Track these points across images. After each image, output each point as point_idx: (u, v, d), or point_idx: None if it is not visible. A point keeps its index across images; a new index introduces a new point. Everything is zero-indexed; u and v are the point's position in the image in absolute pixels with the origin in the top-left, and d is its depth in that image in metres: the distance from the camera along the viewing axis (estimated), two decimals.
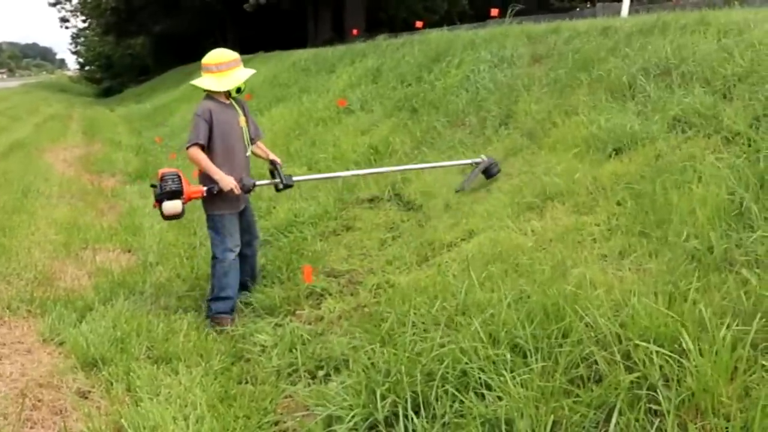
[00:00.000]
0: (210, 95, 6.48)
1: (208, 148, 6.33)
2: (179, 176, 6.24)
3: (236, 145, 6.48)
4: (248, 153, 6.63)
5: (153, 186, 6.33)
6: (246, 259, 6.89)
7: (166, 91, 36.68)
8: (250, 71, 6.58)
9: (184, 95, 30.73)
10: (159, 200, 6.21)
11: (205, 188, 6.32)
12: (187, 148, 6.27)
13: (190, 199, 6.29)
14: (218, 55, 6.42)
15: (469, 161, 7.61)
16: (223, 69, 6.35)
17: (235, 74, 6.39)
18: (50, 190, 12.06)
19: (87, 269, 7.90)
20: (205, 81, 6.40)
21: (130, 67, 67.52)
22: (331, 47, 20.06)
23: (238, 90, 6.50)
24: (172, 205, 6.16)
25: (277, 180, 6.66)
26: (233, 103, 6.56)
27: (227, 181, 6.24)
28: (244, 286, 6.89)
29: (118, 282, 7.21)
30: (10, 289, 6.89)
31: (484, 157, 7.49)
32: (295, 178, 6.78)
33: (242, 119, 6.57)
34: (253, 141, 6.73)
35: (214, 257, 6.58)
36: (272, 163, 6.76)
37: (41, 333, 5.99)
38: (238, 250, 6.58)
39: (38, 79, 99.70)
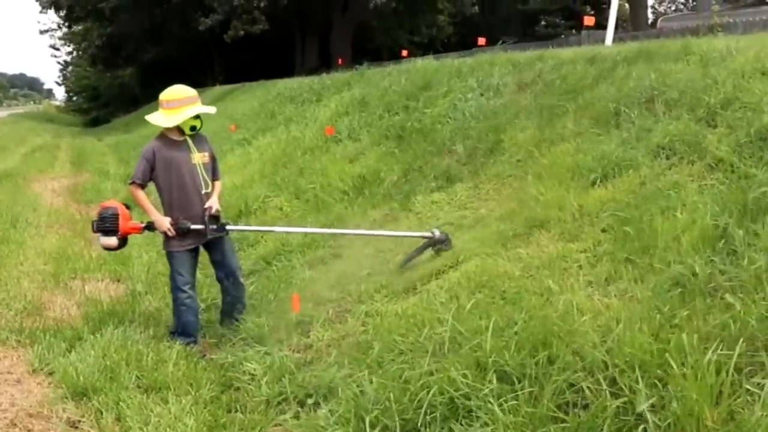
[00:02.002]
0: (163, 132, 6.63)
1: (157, 186, 6.58)
2: (116, 216, 6.47)
3: (187, 183, 6.55)
4: (205, 191, 6.64)
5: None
6: (227, 291, 6.98)
7: None
8: (201, 109, 6.56)
9: None
10: (95, 232, 6.60)
11: (142, 225, 6.59)
12: (129, 184, 6.57)
13: (126, 234, 6.60)
14: (170, 92, 6.53)
15: (419, 234, 7.05)
16: (174, 106, 6.45)
17: (184, 112, 6.43)
18: (39, 220, 12.03)
19: (76, 299, 7.89)
20: (154, 117, 6.57)
21: (118, 97, 67.20)
22: (317, 76, 20.08)
23: (193, 128, 6.57)
24: (106, 241, 6.57)
25: (203, 226, 6.55)
26: (187, 140, 6.61)
27: (161, 222, 6.46)
28: (229, 316, 6.92)
29: (108, 311, 7.19)
30: None
31: (436, 231, 6.93)
32: (228, 228, 6.80)
33: (196, 156, 6.61)
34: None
35: (172, 293, 6.77)
36: (204, 209, 6.58)
37: (31, 363, 5.98)
38: (188, 288, 6.66)
39: (26, 109, 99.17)
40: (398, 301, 6.14)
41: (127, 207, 6.70)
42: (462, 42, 36.24)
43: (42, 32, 67.89)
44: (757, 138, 5.55)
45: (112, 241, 6.51)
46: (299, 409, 5.09)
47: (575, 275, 5.11)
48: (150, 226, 6.56)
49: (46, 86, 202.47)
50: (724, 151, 5.66)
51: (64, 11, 47.37)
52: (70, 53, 66.46)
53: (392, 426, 4.10)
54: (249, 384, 5.61)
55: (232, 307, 6.99)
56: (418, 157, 9.53)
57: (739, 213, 4.73)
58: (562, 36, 33.35)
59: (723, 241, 4.57)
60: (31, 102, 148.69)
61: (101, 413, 5.05)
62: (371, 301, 6.38)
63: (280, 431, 4.93)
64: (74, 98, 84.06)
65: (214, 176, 6.84)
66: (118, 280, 8.87)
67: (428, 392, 4.14)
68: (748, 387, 3.37)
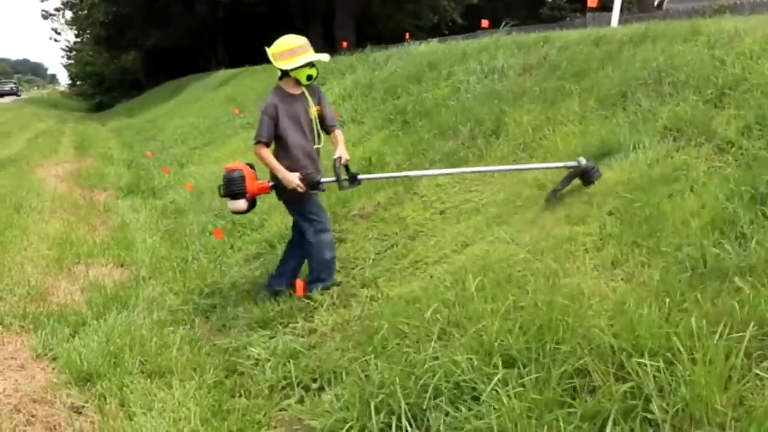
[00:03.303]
0: (279, 85, 6.51)
1: (277, 142, 6.44)
2: (242, 178, 6.35)
3: (307, 137, 6.49)
4: (318, 144, 6.58)
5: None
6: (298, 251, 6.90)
7: (157, 105, 36.67)
8: (315, 56, 6.38)
9: (174, 109, 30.74)
10: (223, 196, 6.52)
11: (270, 184, 6.49)
12: (254, 144, 6.43)
13: (255, 195, 6.50)
14: (280, 44, 6.40)
15: (561, 164, 6.40)
16: (286, 57, 6.29)
17: (297, 60, 6.28)
18: (42, 205, 12.00)
19: (80, 284, 7.87)
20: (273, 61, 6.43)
21: (122, 82, 67.26)
22: None
23: (309, 77, 6.41)
24: (235, 205, 6.44)
25: (335, 178, 6.38)
26: (304, 92, 6.52)
27: (290, 179, 6.30)
28: (292, 276, 6.84)
29: (111, 296, 7.18)
30: (2, 305, 6.86)
31: (582, 160, 6.15)
32: (361, 177, 6.62)
33: (313, 109, 6.52)
34: (327, 131, 6.67)
35: (308, 243, 6.62)
36: (335, 159, 6.41)
37: (34, 348, 5.96)
38: (329, 229, 6.68)
39: (30, 94, 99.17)
40: (403, 284, 6.11)
41: (251, 167, 6.59)
42: (468, 26, 36.13)
43: (44, 17, 67.69)
44: (766, 119, 5.50)
45: (241, 204, 6.38)
46: (304, 393, 5.07)
47: (581, 258, 5.07)
48: (277, 185, 6.44)
49: (49, 71, 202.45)
50: (732, 132, 5.62)
51: None
52: (76, 35, 66.37)
53: (397, 410, 4.07)
54: (253, 369, 5.58)
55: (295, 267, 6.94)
56: (422, 140, 9.49)
57: (747, 195, 4.68)
58: (568, 18, 33.25)
59: (732, 224, 4.53)
60: (35, 87, 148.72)
61: (105, 398, 5.04)
62: (375, 285, 6.36)
63: (284, 416, 4.91)
64: (78, 83, 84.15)
65: (332, 125, 6.70)
66: (122, 265, 8.85)
67: (434, 376, 4.11)
68: (757, 372, 3.34)
